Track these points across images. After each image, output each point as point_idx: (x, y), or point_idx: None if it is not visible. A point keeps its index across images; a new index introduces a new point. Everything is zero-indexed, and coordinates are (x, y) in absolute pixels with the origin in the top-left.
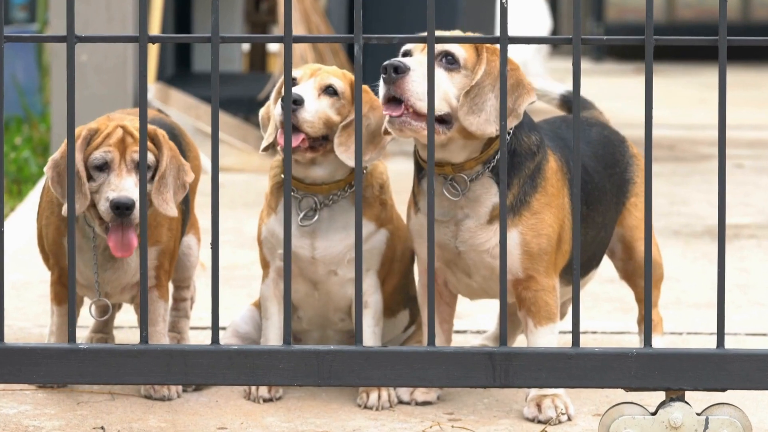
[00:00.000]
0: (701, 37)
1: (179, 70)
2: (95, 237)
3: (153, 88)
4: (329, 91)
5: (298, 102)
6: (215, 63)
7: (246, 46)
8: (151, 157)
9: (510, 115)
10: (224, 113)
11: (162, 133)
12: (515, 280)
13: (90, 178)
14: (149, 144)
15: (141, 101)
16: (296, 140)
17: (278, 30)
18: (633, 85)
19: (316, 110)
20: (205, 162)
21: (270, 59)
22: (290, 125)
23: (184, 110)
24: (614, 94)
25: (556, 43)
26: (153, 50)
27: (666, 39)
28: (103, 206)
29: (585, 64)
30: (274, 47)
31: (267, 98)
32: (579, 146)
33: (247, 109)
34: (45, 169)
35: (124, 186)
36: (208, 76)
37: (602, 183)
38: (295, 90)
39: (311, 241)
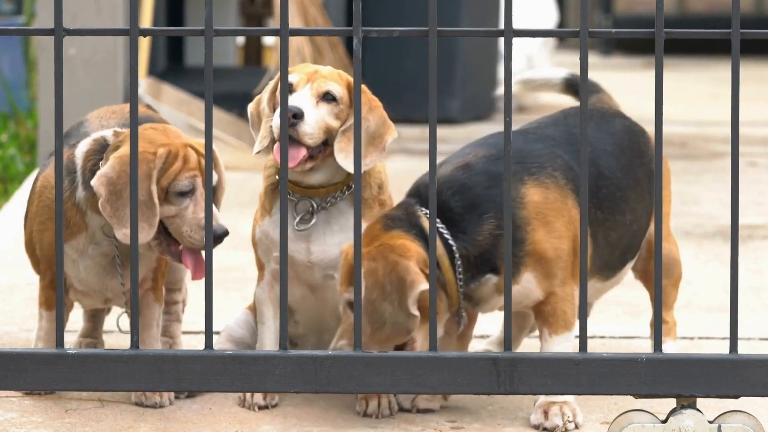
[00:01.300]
0: (713, 30)
1: (171, 65)
2: (117, 247)
3: (144, 83)
4: (327, 97)
5: (298, 116)
6: (209, 57)
7: (241, 40)
8: (216, 177)
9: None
10: (218, 109)
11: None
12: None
13: (163, 203)
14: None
15: (131, 96)
16: (296, 159)
17: (274, 23)
18: (643, 79)
19: (316, 121)
20: None
21: (266, 53)
22: (287, 136)
23: (176, 106)
24: (623, 88)
25: (562, 36)
26: (144, 44)
27: (677, 32)
28: (199, 234)
29: (593, 58)
30: (269, 41)
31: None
32: (587, 144)
33: (241, 104)
34: (95, 185)
35: (216, 213)
36: (202, 70)
37: (628, 177)
38: (293, 101)
39: (307, 245)
